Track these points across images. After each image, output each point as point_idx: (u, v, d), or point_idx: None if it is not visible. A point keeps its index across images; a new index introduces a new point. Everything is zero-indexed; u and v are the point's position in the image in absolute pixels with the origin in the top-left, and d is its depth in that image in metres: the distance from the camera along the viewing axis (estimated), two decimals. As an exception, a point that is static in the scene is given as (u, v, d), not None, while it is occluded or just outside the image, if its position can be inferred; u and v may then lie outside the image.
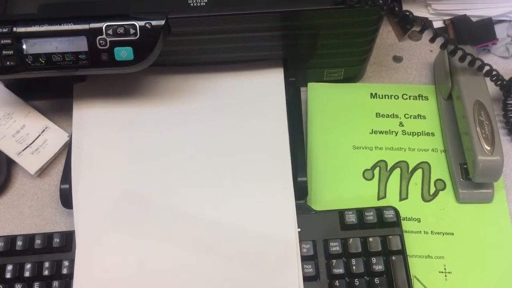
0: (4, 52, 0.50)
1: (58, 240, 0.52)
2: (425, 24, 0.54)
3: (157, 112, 0.58)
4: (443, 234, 0.54)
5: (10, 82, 0.62)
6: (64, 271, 0.51)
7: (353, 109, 0.62)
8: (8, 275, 0.51)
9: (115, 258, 0.51)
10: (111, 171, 0.55)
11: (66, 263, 0.51)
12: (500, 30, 0.67)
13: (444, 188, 0.57)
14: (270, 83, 0.59)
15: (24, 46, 0.50)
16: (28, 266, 0.51)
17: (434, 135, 0.60)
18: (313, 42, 0.56)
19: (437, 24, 0.69)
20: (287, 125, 0.56)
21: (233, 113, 0.58)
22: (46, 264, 0.51)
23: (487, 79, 0.57)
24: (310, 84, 0.64)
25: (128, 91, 0.59)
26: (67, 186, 0.54)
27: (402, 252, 0.51)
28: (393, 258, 0.50)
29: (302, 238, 0.51)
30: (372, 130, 0.60)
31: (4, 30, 0.50)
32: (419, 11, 0.68)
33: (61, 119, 0.63)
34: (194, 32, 0.53)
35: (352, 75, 0.64)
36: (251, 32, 0.54)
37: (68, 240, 0.53)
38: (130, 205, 0.53)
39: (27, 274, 0.51)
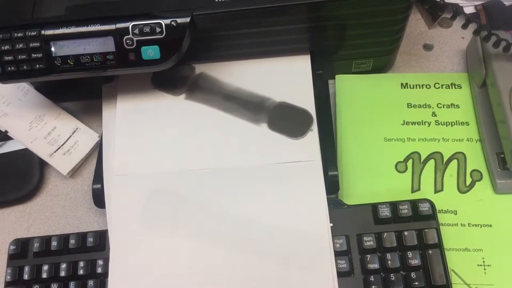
0: (33, 55, 0.51)
1: (92, 239, 0.53)
2: (457, 10, 0.53)
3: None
4: (481, 226, 0.53)
5: (40, 85, 0.63)
6: (99, 270, 0.52)
7: (383, 100, 0.60)
8: (44, 275, 0.52)
9: (148, 256, 0.51)
10: (142, 169, 0.55)
11: (100, 262, 0.52)
12: (535, 13, 0.65)
13: (481, 178, 0.55)
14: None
15: (52, 49, 0.51)
16: (64, 266, 0.52)
17: (468, 124, 0.58)
18: (341, 33, 0.55)
19: (468, 9, 0.67)
20: (316, 119, 0.56)
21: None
22: (81, 264, 0.52)
23: (523, 65, 0.55)
24: (338, 77, 0.63)
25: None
26: (99, 186, 0.54)
27: (439, 245, 0.49)
28: (430, 252, 0.49)
29: (335, 233, 0.51)
30: (403, 121, 0.59)
31: (33, 33, 0.50)
32: (449, -3, 0.66)
33: (91, 119, 0.63)
34: (220, 28, 0.53)
35: (381, 65, 0.63)
36: (277, 26, 0.53)
37: (101, 239, 0.53)
38: (163, 203, 0.53)
39: (62, 273, 0.52)
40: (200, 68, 0.59)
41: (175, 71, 0.58)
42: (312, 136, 0.54)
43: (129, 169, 0.55)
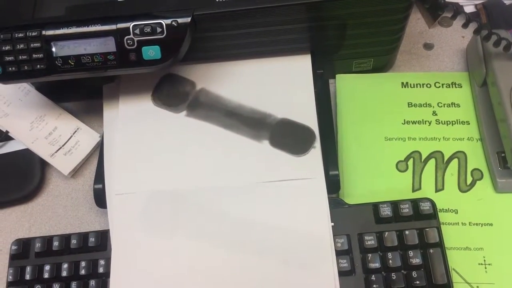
0: (34, 55, 0.51)
1: (93, 239, 0.53)
2: (457, 9, 0.53)
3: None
4: (482, 225, 0.53)
5: (41, 85, 0.63)
6: (101, 270, 0.52)
7: (384, 99, 0.60)
8: (46, 275, 0.52)
9: (150, 256, 0.51)
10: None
11: (102, 262, 0.52)
12: (535, 12, 0.65)
13: (482, 177, 0.55)
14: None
15: (53, 49, 0.51)
16: (65, 266, 0.52)
17: (469, 123, 0.58)
18: (342, 32, 0.55)
19: (469, 8, 0.68)
20: (317, 118, 0.56)
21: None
22: (83, 264, 0.52)
23: (524, 64, 0.55)
24: (338, 76, 0.63)
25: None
26: (100, 186, 0.55)
27: (440, 244, 0.50)
28: (431, 251, 0.49)
29: (336, 233, 0.51)
30: (404, 120, 0.59)
31: (34, 33, 0.50)
32: (449, -4, 0.66)
33: (92, 120, 0.63)
34: (220, 27, 0.53)
35: (382, 64, 0.63)
36: (277, 25, 0.53)
37: (103, 239, 0.53)
38: (163, 203, 0.53)
39: (64, 273, 0.52)
40: (201, 83, 0.59)
41: (175, 87, 0.58)
42: (315, 154, 0.54)
43: (129, 188, 0.54)
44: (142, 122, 0.57)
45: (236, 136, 0.56)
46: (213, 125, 0.56)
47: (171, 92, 0.58)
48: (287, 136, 0.55)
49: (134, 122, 0.57)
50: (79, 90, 0.63)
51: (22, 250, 0.53)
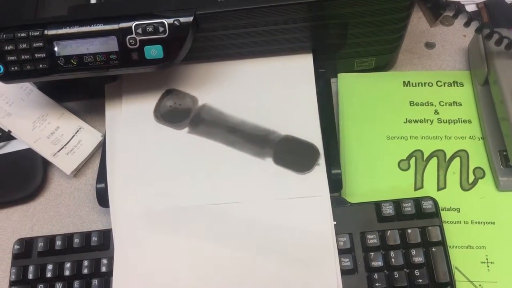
0: (36, 55, 0.51)
1: (96, 238, 0.53)
2: (459, 8, 0.53)
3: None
4: (484, 223, 0.53)
5: (43, 85, 0.63)
6: (103, 269, 0.52)
7: (386, 98, 0.61)
8: (48, 275, 0.52)
9: (153, 255, 0.51)
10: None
11: (104, 261, 0.52)
12: (537, 11, 0.65)
13: (484, 176, 0.55)
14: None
15: (56, 48, 0.51)
16: (68, 265, 0.52)
17: (471, 122, 0.58)
18: (343, 31, 0.55)
19: (470, 7, 0.67)
20: (319, 117, 0.56)
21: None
22: (85, 263, 0.52)
23: (526, 62, 0.55)
24: (340, 75, 0.63)
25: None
26: (103, 185, 0.55)
27: (443, 243, 0.50)
28: (433, 249, 0.49)
29: (338, 231, 0.51)
30: (406, 119, 0.59)
31: (36, 33, 0.50)
32: (450, -5, 0.66)
33: (94, 119, 0.63)
34: (223, 27, 0.53)
35: (383, 63, 0.63)
36: (279, 25, 0.53)
37: (105, 238, 0.53)
38: (165, 202, 0.53)
39: (67, 273, 0.52)
40: (202, 96, 0.58)
41: (177, 103, 0.57)
42: (319, 171, 0.53)
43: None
44: (144, 138, 0.56)
45: (239, 153, 0.55)
46: (215, 142, 0.56)
47: (173, 108, 0.58)
48: (291, 153, 0.54)
49: (136, 136, 0.56)
50: (81, 90, 0.63)
51: (25, 249, 0.53)
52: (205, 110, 0.57)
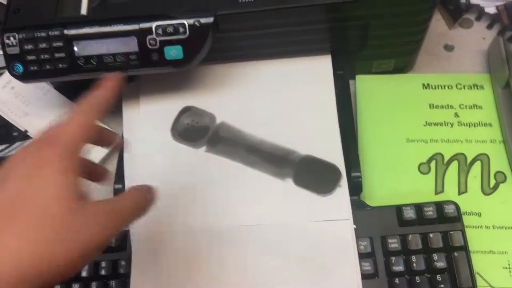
0: (56, 54, 0.51)
1: (113, 239, 0.53)
2: (481, 11, 0.52)
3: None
4: (506, 228, 0.52)
5: (59, 84, 0.62)
6: (121, 270, 0.51)
7: (405, 100, 0.60)
8: (66, 276, 0.52)
9: (170, 256, 0.51)
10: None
11: (122, 262, 0.52)
12: (558, 13, 0.64)
13: (505, 180, 0.55)
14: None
15: (75, 48, 0.50)
16: (85, 266, 0.52)
17: (491, 125, 0.58)
18: (364, 33, 0.55)
19: (489, 10, 0.66)
20: (338, 119, 0.55)
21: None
22: (103, 264, 0.52)
23: (549, 66, 0.54)
24: (358, 77, 0.62)
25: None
26: (120, 186, 0.54)
27: (465, 248, 0.49)
28: (455, 254, 0.49)
29: (358, 235, 0.50)
30: (426, 122, 0.58)
31: (56, 33, 0.50)
32: (469, -3, 0.66)
33: (111, 119, 0.63)
34: (243, 28, 0.52)
35: (402, 65, 0.62)
36: (300, 26, 0.53)
37: (123, 239, 0.53)
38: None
39: (84, 274, 0.51)
40: (221, 116, 0.57)
41: (194, 120, 0.57)
42: (341, 193, 0.51)
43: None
44: (161, 157, 0.55)
45: (258, 173, 0.54)
46: (234, 162, 0.54)
47: (190, 126, 0.56)
48: (312, 174, 0.53)
49: (153, 151, 0.55)
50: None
51: (42, 250, 0.53)
52: (223, 128, 0.56)
